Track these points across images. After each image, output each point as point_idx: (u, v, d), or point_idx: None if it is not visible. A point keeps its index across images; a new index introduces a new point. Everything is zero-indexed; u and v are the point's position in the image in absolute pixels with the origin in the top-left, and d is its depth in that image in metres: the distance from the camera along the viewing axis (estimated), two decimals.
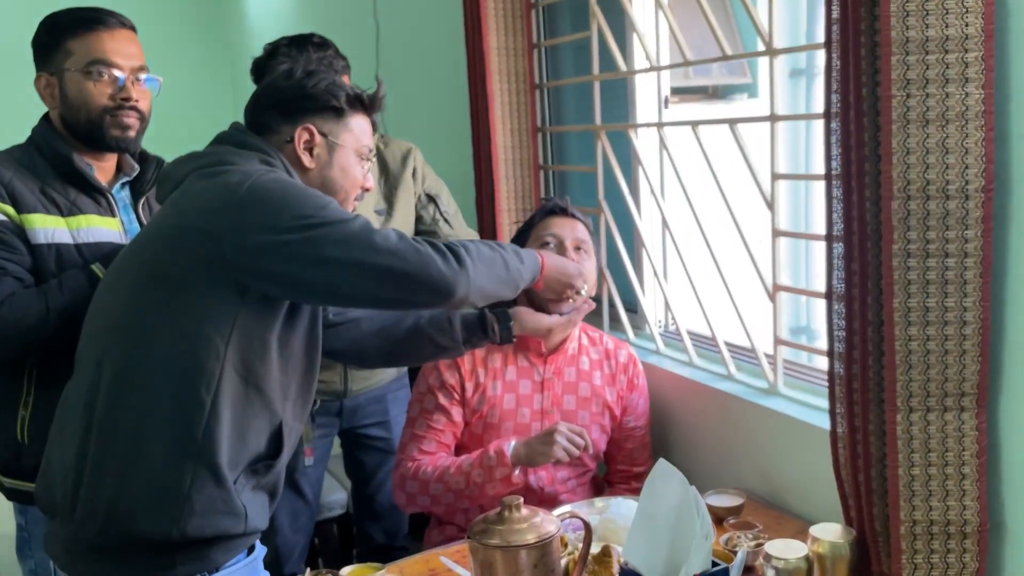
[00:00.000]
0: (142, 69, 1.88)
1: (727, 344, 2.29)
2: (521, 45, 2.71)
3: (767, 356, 2.15)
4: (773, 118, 2.00)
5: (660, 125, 2.43)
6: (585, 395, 2.15)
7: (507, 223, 2.80)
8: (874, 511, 1.60)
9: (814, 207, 2.82)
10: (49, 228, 1.78)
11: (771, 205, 2.04)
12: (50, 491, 1.52)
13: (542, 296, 1.94)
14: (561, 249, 2.09)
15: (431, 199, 2.47)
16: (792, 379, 2.13)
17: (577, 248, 2.11)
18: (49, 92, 1.86)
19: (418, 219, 2.49)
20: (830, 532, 1.64)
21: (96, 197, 1.87)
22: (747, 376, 2.23)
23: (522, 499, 1.57)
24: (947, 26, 1.41)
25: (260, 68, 2.32)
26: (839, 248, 1.59)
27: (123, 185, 1.96)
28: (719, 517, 1.90)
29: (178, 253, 1.47)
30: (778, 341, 2.11)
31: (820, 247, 2.70)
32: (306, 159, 1.64)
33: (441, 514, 2.14)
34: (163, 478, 1.44)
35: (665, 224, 2.45)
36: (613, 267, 2.64)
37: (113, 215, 1.88)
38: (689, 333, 2.43)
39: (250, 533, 1.54)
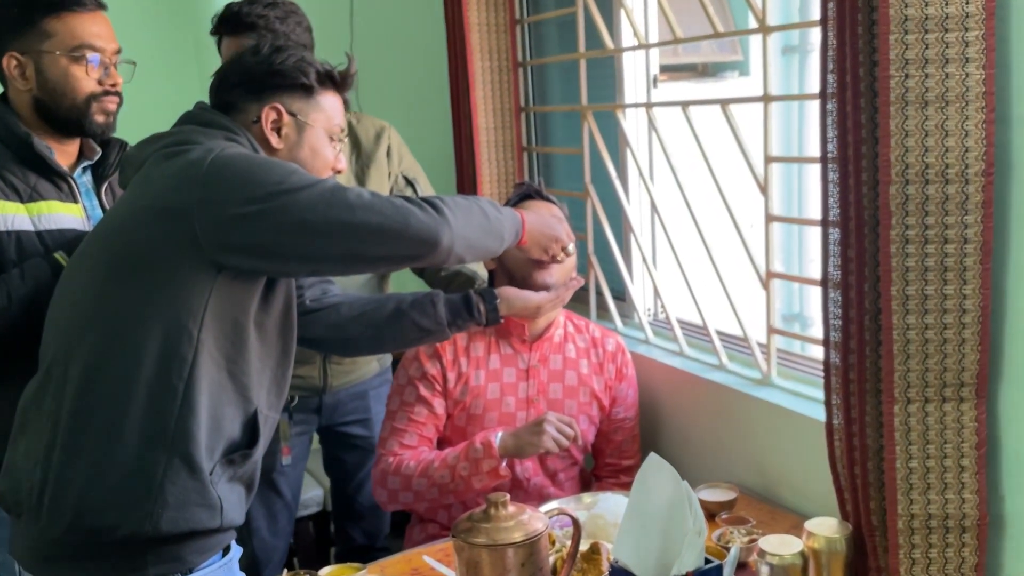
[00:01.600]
0: (118, 52, 1.87)
1: (718, 333, 2.31)
2: (503, 21, 2.71)
3: (760, 345, 2.16)
4: (767, 98, 2.01)
5: (649, 105, 2.44)
6: (572, 383, 2.15)
7: (487, 171, 2.80)
8: (871, 505, 1.62)
9: (807, 191, 2.84)
10: (8, 215, 1.77)
11: (764, 189, 2.05)
12: (15, 489, 1.51)
13: (528, 255, 1.91)
14: None
15: (409, 182, 2.44)
16: (786, 369, 2.14)
17: None
18: (19, 72, 1.82)
19: None
20: (826, 527, 1.66)
21: (57, 182, 1.85)
22: (739, 366, 2.24)
23: (508, 496, 1.57)
24: (947, 4, 1.42)
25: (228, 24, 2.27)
26: (835, 234, 1.60)
27: (84, 169, 1.94)
28: (711, 512, 1.91)
29: (144, 236, 1.47)
30: (771, 330, 2.12)
31: (813, 232, 2.74)
32: (274, 139, 1.63)
33: (423, 511, 2.13)
34: (135, 469, 1.43)
35: (654, 208, 2.46)
36: (600, 253, 2.65)
37: (75, 200, 1.87)
38: (679, 322, 2.44)
39: (226, 529, 1.53)
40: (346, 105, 1.73)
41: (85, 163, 1.94)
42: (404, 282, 2.54)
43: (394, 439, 2.09)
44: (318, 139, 1.66)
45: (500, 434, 1.99)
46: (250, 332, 1.52)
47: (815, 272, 1.66)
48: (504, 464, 1.98)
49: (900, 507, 1.57)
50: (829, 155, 1.59)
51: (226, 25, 2.22)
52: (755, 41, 3.22)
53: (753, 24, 2.03)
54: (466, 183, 2.78)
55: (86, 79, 1.82)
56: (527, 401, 2.12)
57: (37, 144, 1.82)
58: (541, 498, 2.11)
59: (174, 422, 1.45)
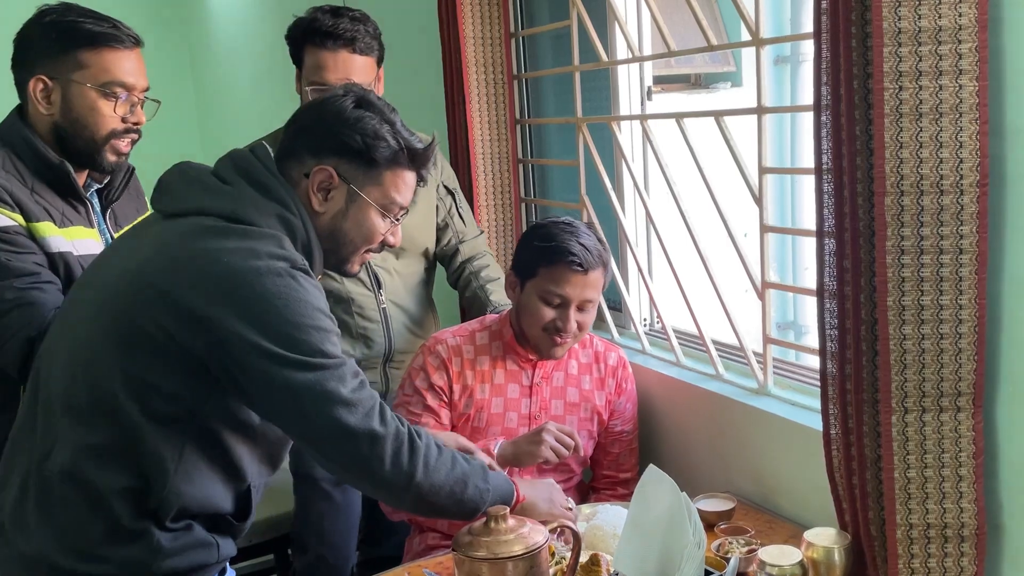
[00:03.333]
0: (146, 90, 1.87)
1: (715, 343, 2.30)
2: (498, 34, 2.70)
3: (756, 355, 2.15)
4: (761, 110, 2.00)
5: (643, 117, 2.43)
6: (573, 400, 2.16)
7: (485, 219, 2.81)
8: (869, 514, 1.61)
9: (801, 201, 2.84)
10: (56, 237, 1.78)
11: (759, 200, 2.05)
12: None
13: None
14: (565, 309, 2.04)
15: (449, 191, 2.49)
16: (782, 378, 2.13)
17: (581, 308, 2.06)
18: (44, 96, 1.81)
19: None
20: (825, 537, 1.65)
21: (76, 207, 1.86)
22: (736, 376, 2.23)
23: (508, 509, 1.56)
24: (940, 16, 1.42)
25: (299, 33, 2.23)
26: (831, 244, 1.60)
27: (92, 193, 1.94)
28: (709, 522, 1.90)
29: (150, 320, 1.40)
30: (767, 340, 2.12)
31: (807, 242, 2.77)
32: (316, 201, 1.53)
33: (423, 520, 2.14)
34: (129, 535, 1.43)
35: (649, 219, 2.46)
36: None
37: (92, 225, 1.87)
38: (675, 332, 2.43)
39: (222, 560, 1.55)
40: (421, 180, 1.63)
41: (95, 186, 1.93)
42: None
43: None
44: (366, 213, 1.55)
45: (500, 442, 1.98)
46: (247, 418, 1.50)
47: (809, 281, 1.66)
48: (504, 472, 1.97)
49: (899, 517, 1.56)
50: (824, 166, 1.58)
51: (314, 36, 2.19)
52: (748, 53, 3.22)
53: (746, 36, 2.03)
54: (459, 192, 2.74)
55: (111, 115, 1.82)
56: (529, 417, 2.12)
57: (72, 173, 1.82)
58: None
59: (162, 498, 1.45)
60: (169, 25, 5.79)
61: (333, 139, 1.51)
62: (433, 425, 2.08)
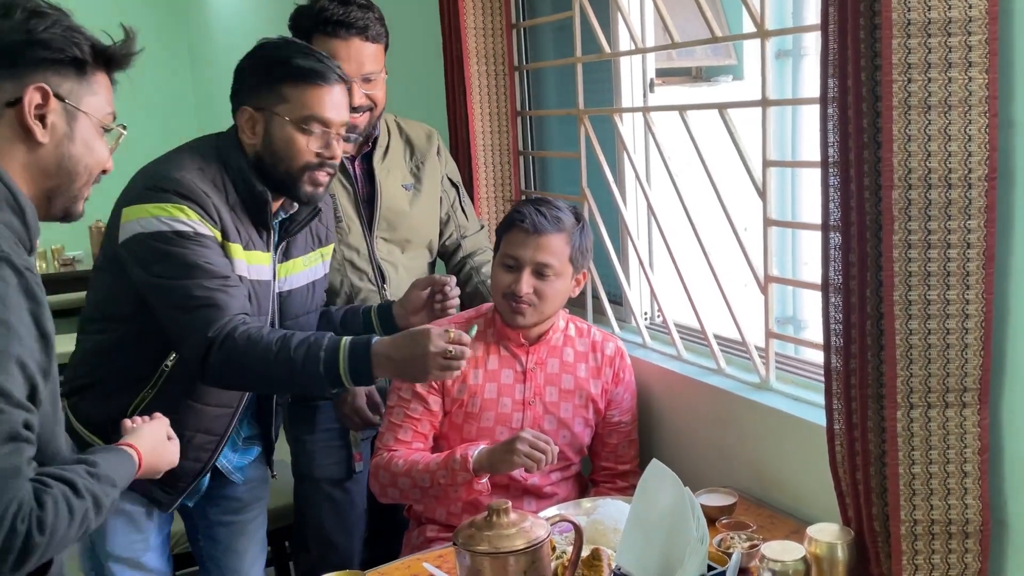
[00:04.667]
0: (344, 125, 1.92)
1: (716, 337, 2.29)
2: (499, 25, 2.69)
3: (758, 349, 2.14)
4: (765, 103, 1.99)
5: (646, 110, 2.41)
6: (568, 387, 2.16)
7: (486, 212, 2.79)
8: (873, 510, 1.60)
9: (801, 195, 2.83)
10: (240, 260, 1.86)
11: (763, 194, 2.03)
12: None
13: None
14: (518, 272, 2.07)
15: (453, 184, 2.50)
16: (784, 373, 2.12)
17: (539, 273, 2.07)
18: (250, 126, 1.88)
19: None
20: (827, 532, 1.64)
21: (261, 232, 1.93)
22: (737, 370, 2.22)
23: (510, 503, 1.56)
24: (949, 8, 1.40)
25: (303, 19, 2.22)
26: (836, 238, 1.58)
27: (276, 221, 2.00)
28: (711, 517, 1.89)
29: None
30: (770, 334, 2.10)
31: (807, 236, 2.76)
32: (38, 130, 1.32)
33: (421, 511, 2.15)
34: None
35: (651, 212, 2.44)
36: (597, 257, 2.54)
37: (267, 250, 1.95)
38: (676, 325, 2.42)
39: None
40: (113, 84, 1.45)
41: (281, 216, 1.99)
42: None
43: (390, 434, 2.12)
44: (91, 131, 1.37)
45: (478, 450, 1.99)
46: None
47: (809, 275, 1.64)
48: (484, 479, 1.99)
49: (903, 513, 1.55)
50: (830, 159, 1.57)
51: (325, 25, 2.17)
52: (749, 46, 3.23)
53: (749, 28, 2.00)
54: (462, 187, 2.72)
55: (306, 150, 1.86)
56: (523, 403, 2.13)
57: (271, 204, 1.91)
58: (540, 497, 2.13)
59: None
60: (168, 23, 5.78)
61: (30, 51, 1.31)
62: (423, 412, 2.11)
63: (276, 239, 1.97)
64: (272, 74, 1.85)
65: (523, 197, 2.23)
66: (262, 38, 1.92)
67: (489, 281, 2.34)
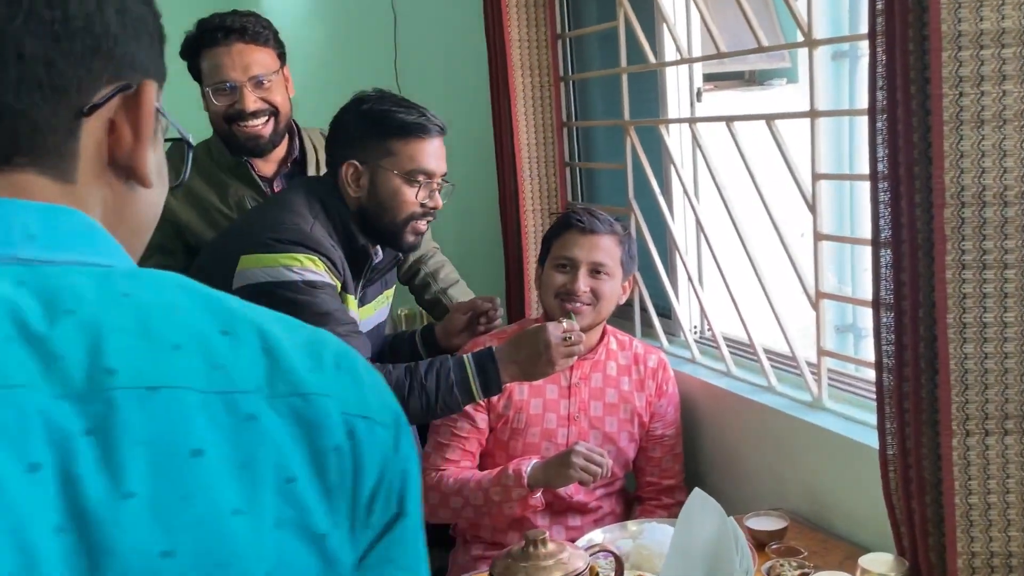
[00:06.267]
0: (444, 175, 2.00)
1: (767, 352, 2.24)
2: (544, 36, 2.67)
3: (810, 366, 2.08)
4: (813, 114, 1.93)
5: (692, 121, 2.39)
6: (612, 401, 2.16)
7: (531, 223, 2.76)
8: (929, 541, 1.54)
9: (860, 205, 2.75)
10: (353, 312, 1.94)
11: (813, 207, 1.98)
12: None
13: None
14: (574, 271, 2.09)
15: None
16: (838, 391, 2.07)
17: (595, 272, 2.10)
18: (355, 179, 1.93)
19: None
20: (881, 563, 1.58)
21: (355, 280, 1.98)
22: (789, 388, 2.17)
23: (547, 533, 1.53)
24: (1003, 18, 1.34)
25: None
26: (887, 255, 1.53)
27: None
28: (760, 542, 1.84)
29: None
30: (822, 352, 2.04)
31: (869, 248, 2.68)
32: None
33: (466, 528, 2.16)
34: None
35: (699, 225, 2.41)
36: (645, 270, 2.60)
37: (356, 297, 2.01)
38: (726, 340, 2.38)
39: None
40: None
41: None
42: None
43: (437, 454, 2.12)
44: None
45: (532, 464, 1.99)
46: None
47: (869, 285, 1.58)
48: (539, 495, 1.99)
49: (960, 544, 1.49)
50: (879, 173, 1.51)
51: (205, 37, 2.15)
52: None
53: (800, 36, 1.95)
54: (507, 199, 2.76)
55: (412, 201, 1.93)
56: (568, 418, 2.14)
57: (373, 256, 1.99)
58: (584, 512, 2.14)
59: None
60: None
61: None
62: (469, 430, 2.12)
63: (360, 287, 2.03)
64: (378, 129, 1.92)
65: (569, 208, 2.19)
66: (359, 92, 1.99)
67: (450, 291, 2.41)
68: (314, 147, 2.36)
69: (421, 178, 1.92)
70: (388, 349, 2.25)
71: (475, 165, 2.96)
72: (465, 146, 3.10)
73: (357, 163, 1.92)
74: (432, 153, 1.94)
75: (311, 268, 1.83)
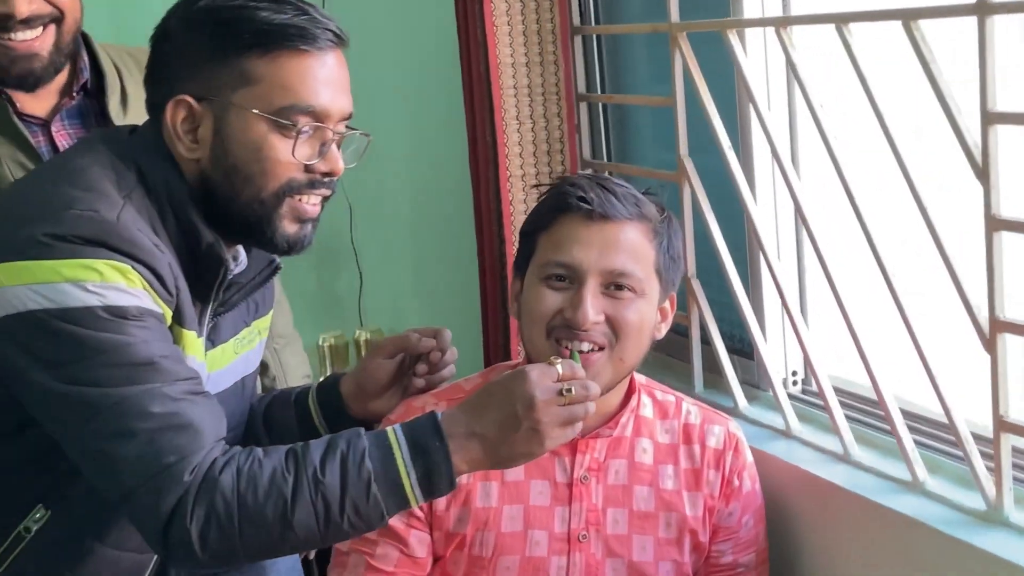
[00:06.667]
0: (348, 118, 1.93)
1: (909, 419, 2.22)
2: None
3: (981, 443, 2.05)
4: (984, 8, 1.84)
5: (783, 22, 2.34)
6: (645, 508, 2.13)
7: (521, 200, 2.80)
8: None
9: None
10: (192, 356, 1.89)
11: (984, 172, 1.89)
12: None
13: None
14: (577, 286, 2.03)
15: None
16: None
17: (613, 287, 2.03)
18: (188, 126, 1.87)
19: None
20: None
21: (196, 305, 1.93)
22: (947, 484, 2.14)
23: None
24: None
25: None
26: None
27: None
28: None
29: None
30: (1002, 424, 1.96)
31: None
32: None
33: None
34: None
35: (798, 207, 2.36)
36: (707, 277, 2.62)
37: (200, 333, 1.96)
38: (842, 398, 2.36)
39: None
40: None
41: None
42: None
43: None
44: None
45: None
46: None
47: None
48: None
49: None
50: None
51: None
52: None
53: None
54: (481, 160, 2.81)
55: (287, 160, 1.84)
56: (568, 538, 2.10)
57: (227, 261, 1.91)
58: None
59: None
60: None
61: None
62: (399, 560, 2.08)
63: (208, 316, 2.00)
64: (223, 40, 1.84)
65: (567, 179, 2.24)
66: None
67: (279, 321, 2.49)
68: (117, 72, 2.37)
69: (302, 120, 1.83)
70: (263, 419, 2.23)
71: (431, 106, 3.14)
72: (413, 73, 3.04)
73: (191, 100, 1.84)
74: (322, 78, 1.85)
75: (118, 284, 1.74)
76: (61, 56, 2.24)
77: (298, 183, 1.86)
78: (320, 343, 3.37)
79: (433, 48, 3.17)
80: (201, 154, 1.86)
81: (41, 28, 2.18)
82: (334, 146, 1.88)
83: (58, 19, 2.19)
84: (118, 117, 2.37)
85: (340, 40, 1.88)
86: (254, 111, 1.82)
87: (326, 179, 1.89)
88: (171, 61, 1.89)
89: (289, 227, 1.88)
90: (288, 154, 1.83)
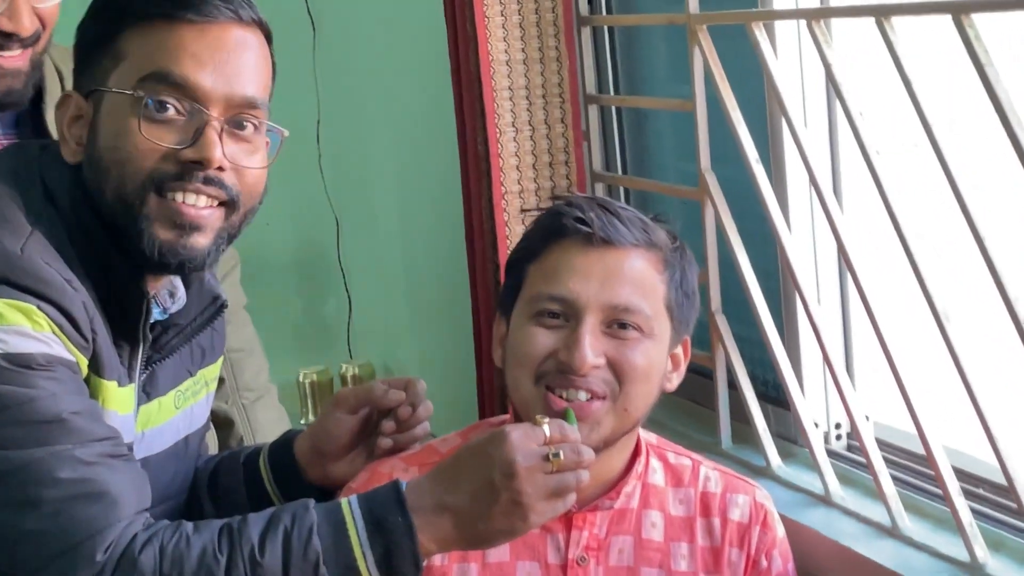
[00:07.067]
0: (250, 106, 1.84)
1: (968, 487, 2.21)
2: None
3: None
4: None
5: (817, 15, 2.34)
6: None
7: (516, 216, 2.81)
8: None
9: None
10: (112, 410, 1.85)
11: None
12: None
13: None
14: (573, 324, 1.95)
15: None
16: None
17: (620, 324, 1.95)
18: (72, 125, 1.86)
19: None
20: None
21: (120, 348, 1.90)
22: (1011, 566, 2.10)
23: None
24: None
25: None
26: None
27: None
28: None
29: None
30: None
31: None
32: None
33: None
34: None
35: (838, 238, 2.34)
36: (733, 310, 2.61)
37: (128, 380, 1.93)
38: (889, 454, 2.37)
39: None
40: None
41: (156, 314, 1.96)
42: None
43: None
44: None
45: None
46: None
47: None
48: None
49: None
50: None
51: None
52: None
53: None
54: (471, 174, 2.84)
55: (145, 145, 1.77)
56: None
57: (147, 291, 1.88)
58: None
59: None
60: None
61: None
62: None
63: (141, 363, 1.95)
64: (104, 21, 1.83)
65: (564, 199, 2.17)
66: None
67: (247, 372, 2.58)
68: (60, 77, 2.37)
69: (167, 96, 1.76)
70: (208, 485, 2.19)
71: (421, 110, 3.12)
72: (401, 74, 2.96)
73: (77, 95, 1.84)
74: (195, 50, 1.78)
75: (22, 328, 1.70)
76: (37, 71, 2.23)
77: (163, 174, 1.76)
78: (301, 379, 3.34)
79: (422, 44, 3.20)
80: (81, 155, 1.84)
81: (20, 49, 2.19)
82: (211, 131, 1.77)
83: (37, 39, 2.20)
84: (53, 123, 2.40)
85: (236, 16, 1.81)
86: (114, 89, 1.78)
87: (196, 169, 1.77)
88: (76, 57, 1.89)
89: (161, 232, 1.78)
90: (149, 138, 1.76)
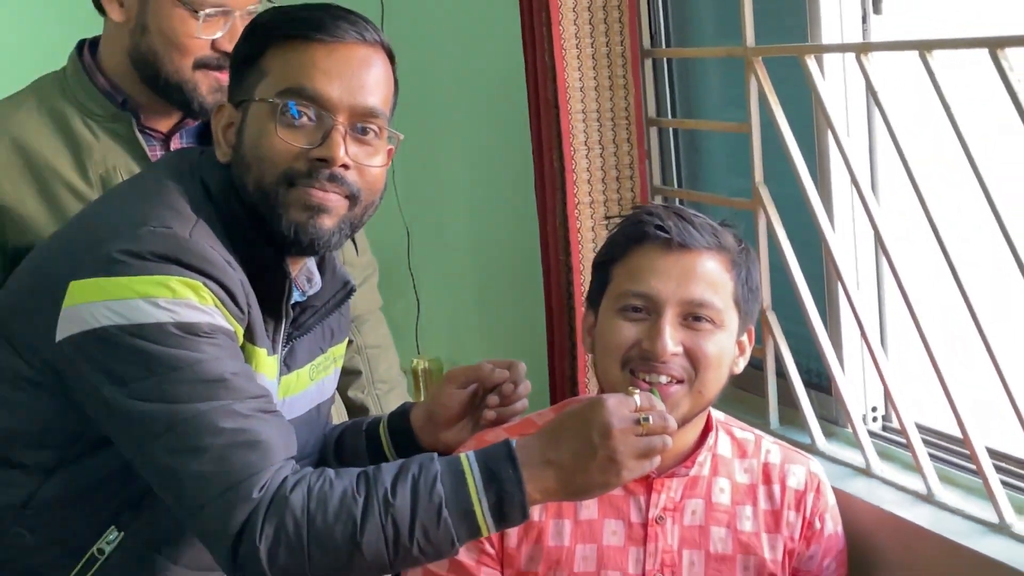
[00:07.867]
0: (362, 111, 1.92)
1: (998, 462, 2.22)
2: None
3: None
4: None
5: (864, 49, 2.35)
6: (723, 550, 2.14)
7: (589, 228, 2.84)
8: None
9: None
10: (262, 374, 1.93)
11: None
12: None
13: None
14: (654, 317, 2.05)
15: None
16: None
17: (692, 318, 2.06)
18: (225, 133, 1.96)
19: None
20: None
21: (268, 325, 1.98)
22: None
23: None
24: None
25: None
26: None
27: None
28: None
29: None
30: None
31: None
32: None
33: None
34: None
35: (877, 232, 2.37)
36: (783, 308, 2.63)
37: (273, 353, 2.00)
38: (925, 437, 2.37)
39: None
40: None
41: (296, 296, 2.04)
42: None
43: None
44: None
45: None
46: None
47: None
48: None
49: None
50: None
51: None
52: None
53: None
54: (547, 186, 2.83)
55: (282, 146, 1.88)
56: None
57: (290, 274, 1.96)
58: None
59: None
60: None
61: None
62: None
63: (283, 338, 2.03)
64: (252, 45, 1.94)
65: (643, 209, 2.23)
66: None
67: (382, 396, 2.60)
68: None
69: (303, 107, 1.88)
70: (335, 448, 2.27)
71: (494, 130, 3.12)
72: (477, 97, 3.12)
73: (231, 107, 1.94)
74: (324, 65, 1.90)
75: (190, 301, 1.79)
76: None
77: (297, 171, 1.88)
78: (414, 363, 3.41)
79: (498, 71, 3.25)
80: (231, 155, 1.95)
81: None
82: (336, 134, 1.89)
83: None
84: None
85: (361, 37, 1.92)
86: (257, 99, 1.89)
87: (323, 167, 1.89)
88: (230, 74, 2.01)
89: (296, 214, 1.90)
90: (286, 141, 1.88)
